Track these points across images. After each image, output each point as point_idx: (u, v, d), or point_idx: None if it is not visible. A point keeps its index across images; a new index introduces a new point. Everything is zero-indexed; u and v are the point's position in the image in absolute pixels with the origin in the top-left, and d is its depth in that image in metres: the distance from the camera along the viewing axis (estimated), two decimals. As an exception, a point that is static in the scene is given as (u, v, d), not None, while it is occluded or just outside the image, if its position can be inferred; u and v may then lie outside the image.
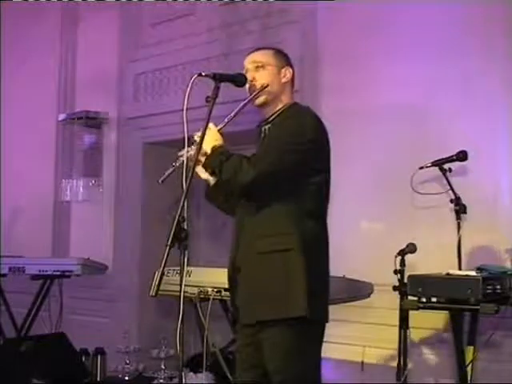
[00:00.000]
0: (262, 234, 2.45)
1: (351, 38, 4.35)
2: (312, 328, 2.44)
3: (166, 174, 2.48)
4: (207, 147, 2.46)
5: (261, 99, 2.56)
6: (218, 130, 2.52)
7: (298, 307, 2.37)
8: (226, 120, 2.53)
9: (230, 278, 2.57)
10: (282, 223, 2.43)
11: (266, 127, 2.60)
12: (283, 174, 2.43)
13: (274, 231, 2.44)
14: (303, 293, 2.36)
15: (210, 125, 2.47)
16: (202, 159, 2.48)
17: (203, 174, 2.56)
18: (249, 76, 2.57)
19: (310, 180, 2.47)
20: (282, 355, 2.40)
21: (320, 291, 2.45)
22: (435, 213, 3.83)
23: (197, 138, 2.45)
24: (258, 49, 2.67)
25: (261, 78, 2.56)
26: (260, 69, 2.58)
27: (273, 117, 2.59)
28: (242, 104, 2.53)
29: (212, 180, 2.58)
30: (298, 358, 2.41)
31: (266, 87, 2.54)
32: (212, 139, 2.47)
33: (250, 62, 2.61)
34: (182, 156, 2.46)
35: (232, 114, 2.53)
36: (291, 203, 2.44)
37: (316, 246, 2.47)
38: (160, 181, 2.46)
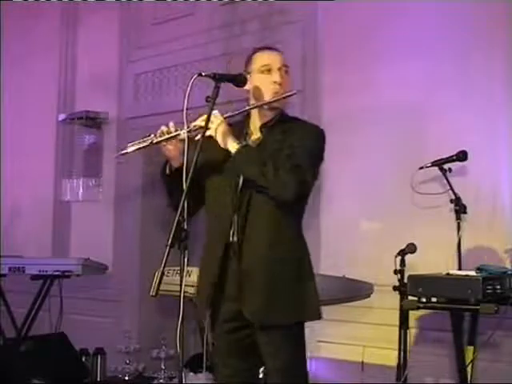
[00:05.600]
0: (274, 239, 2.45)
1: (351, 38, 4.35)
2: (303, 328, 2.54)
3: (131, 149, 2.44)
4: (222, 138, 2.39)
5: (280, 104, 2.52)
6: (224, 118, 2.43)
7: (315, 311, 2.48)
8: (236, 112, 2.48)
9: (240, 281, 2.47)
10: (290, 228, 2.49)
11: (264, 130, 2.54)
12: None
13: (286, 238, 2.47)
14: (316, 296, 2.48)
15: (216, 112, 2.41)
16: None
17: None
18: (276, 77, 2.50)
19: None
20: (285, 358, 2.44)
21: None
22: (435, 213, 3.83)
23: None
24: (277, 49, 2.62)
25: (287, 83, 2.54)
26: (287, 74, 2.56)
27: (273, 122, 2.54)
28: (262, 102, 2.48)
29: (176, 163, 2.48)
30: (299, 359, 2.50)
31: (293, 94, 2.50)
32: (226, 131, 2.40)
33: (279, 61, 2.54)
34: (151, 134, 2.42)
35: (246, 108, 2.50)
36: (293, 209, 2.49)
37: (307, 250, 2.55)
38: (116, 156, 2.44)
